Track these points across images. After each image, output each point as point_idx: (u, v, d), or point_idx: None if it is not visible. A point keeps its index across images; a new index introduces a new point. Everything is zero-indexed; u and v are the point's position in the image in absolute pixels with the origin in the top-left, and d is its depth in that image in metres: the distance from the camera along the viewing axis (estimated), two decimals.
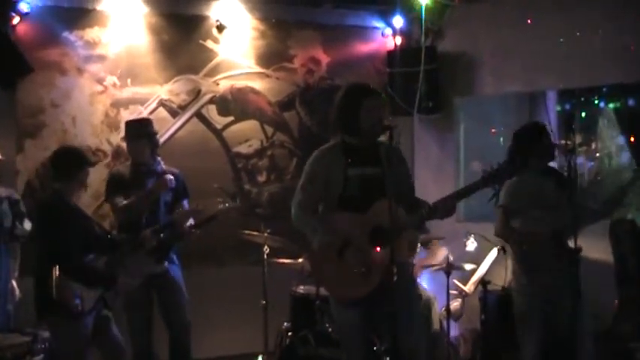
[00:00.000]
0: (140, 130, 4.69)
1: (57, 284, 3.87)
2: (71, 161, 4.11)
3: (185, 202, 4.82)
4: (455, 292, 5.41)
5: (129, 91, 5.72)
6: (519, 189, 4.26)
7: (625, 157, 6.67)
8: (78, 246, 4.00)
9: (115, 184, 4.64)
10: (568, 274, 3.98)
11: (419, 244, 5.29)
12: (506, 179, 3.48)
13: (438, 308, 5.40)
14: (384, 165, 3.48)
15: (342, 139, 3.67)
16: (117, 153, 5.60)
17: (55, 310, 3.93)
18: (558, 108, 6.94)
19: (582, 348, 4.11)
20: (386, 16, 6.44)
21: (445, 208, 3.47)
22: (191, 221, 4.63)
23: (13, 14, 5.25)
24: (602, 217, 5.05)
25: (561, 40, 5.55)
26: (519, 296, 4.32)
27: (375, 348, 4.20)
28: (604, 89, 6.63)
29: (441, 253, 5.61)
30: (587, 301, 4.06)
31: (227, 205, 5.27)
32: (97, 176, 5.27)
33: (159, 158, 4.73)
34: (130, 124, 4.80)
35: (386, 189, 3.37)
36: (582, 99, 6.87)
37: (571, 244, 3.93)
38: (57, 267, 3.88)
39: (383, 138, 3.61)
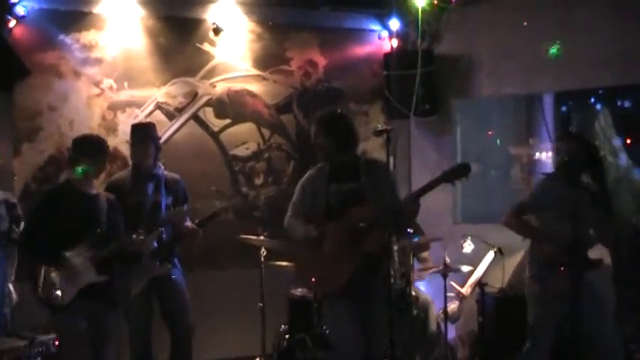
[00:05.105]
0: (147, 133, 4.73)
1: (42, 279, 3.94)
2: (96, 150, 4.21)
3: (184, 207, 4.81)
4: (452, 294, 5.41)
5: (126, 94, 5.72)
6: (548, 191, 4.36)
7: (622, 158, 6.66)
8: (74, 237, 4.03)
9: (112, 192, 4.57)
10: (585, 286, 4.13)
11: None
12: (462, 177, 3.78)
13: (435, 310, 5.39)
14: (362, 179, 3.92)
15: (333, 161, 4.00)
16: (114, 156, 5.58)
17: (45, 305, 4.00)
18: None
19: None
20: (383, 19, 6.45)
21: (409, 208, 3.84)
22: (188, 222, 4.68)
23: (10, 17, 5.23)
24: None
25: (557, 42, 5.56)
26: (534, 306, 4.35)
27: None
28: (600, 91, 6.64)
29: (431, 260, 5.61)
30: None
31: (226, 203, 5.30)
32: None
33: (159, 163, 4.75)
34: (136, 128, 4.82)
35: (365, 196, 3.84)
36: (579, 101, 6.88)
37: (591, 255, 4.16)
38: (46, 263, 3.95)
39: (380, 142, 3.70)
